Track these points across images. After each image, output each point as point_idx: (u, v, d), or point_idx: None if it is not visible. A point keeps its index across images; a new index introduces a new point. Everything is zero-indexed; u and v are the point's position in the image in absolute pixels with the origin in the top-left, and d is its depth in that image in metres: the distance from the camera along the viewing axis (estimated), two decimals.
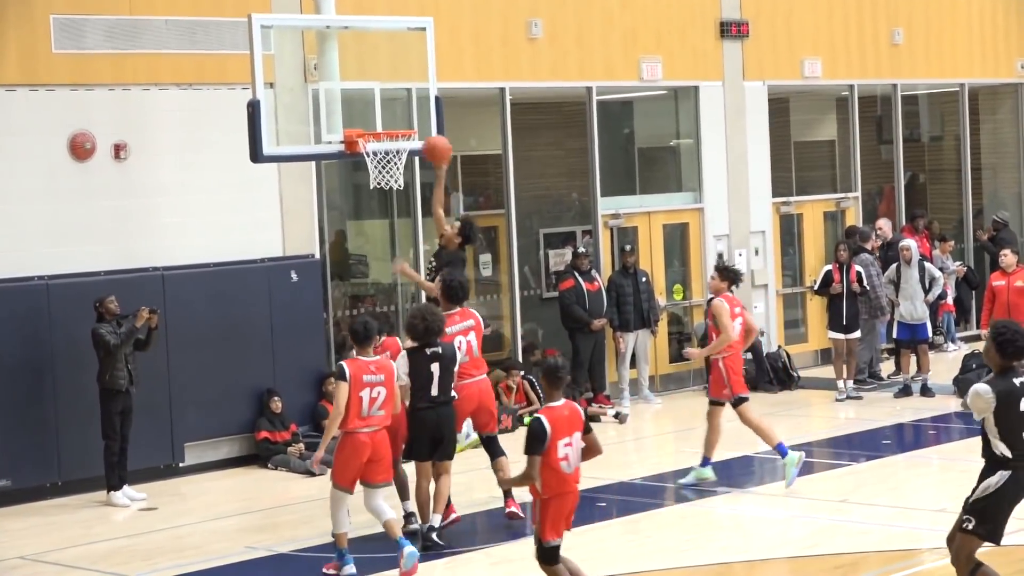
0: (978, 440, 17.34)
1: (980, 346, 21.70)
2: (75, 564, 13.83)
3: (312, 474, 17.28)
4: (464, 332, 13.74)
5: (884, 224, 24.18)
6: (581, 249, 21.42)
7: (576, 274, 20.68)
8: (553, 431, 9.98)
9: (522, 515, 14.10)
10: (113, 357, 15.92)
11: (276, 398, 17.96)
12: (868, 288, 21.76)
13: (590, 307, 20.56)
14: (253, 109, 14.69)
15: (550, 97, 21.54)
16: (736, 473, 16.90)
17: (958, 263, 25.88)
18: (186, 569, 13.40)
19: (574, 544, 13.77)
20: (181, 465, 17.43)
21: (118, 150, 17.29)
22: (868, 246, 22.61)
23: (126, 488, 16.33)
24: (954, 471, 16.56)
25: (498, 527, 14.71)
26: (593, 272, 20.93)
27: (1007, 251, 20.70)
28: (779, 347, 23.29)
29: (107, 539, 14.88)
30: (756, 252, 23.42)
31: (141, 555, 14.11)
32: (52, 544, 14.56)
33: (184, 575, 13.25)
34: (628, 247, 21.58)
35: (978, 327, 24.27)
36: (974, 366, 21.11)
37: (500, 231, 21.29)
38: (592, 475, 16.69)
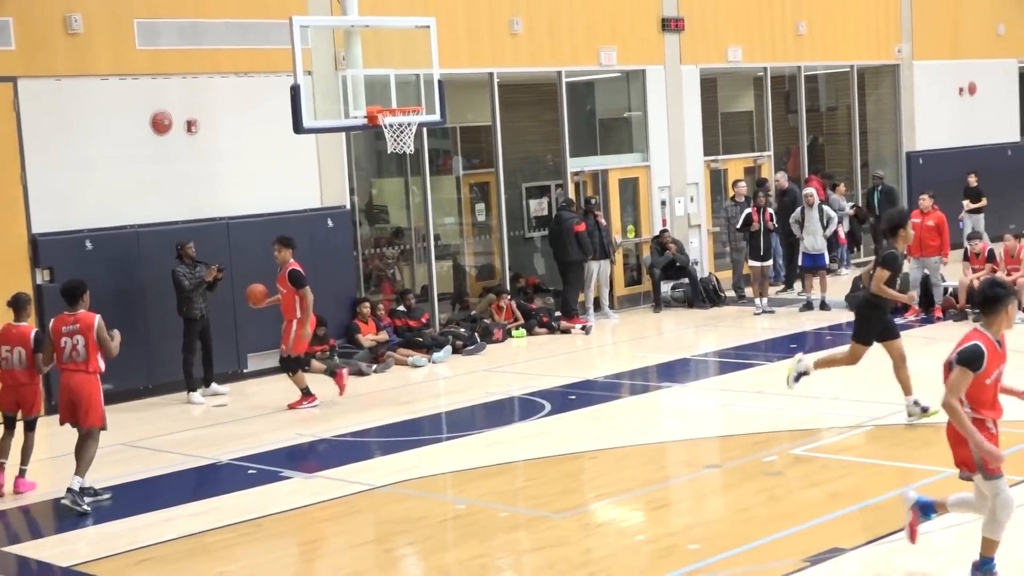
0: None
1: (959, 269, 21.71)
2: (163, 449, 14.01)
3: (361, 373, 17.65)
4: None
5: (780, 176, 24.31)
6: (593, 200, 21.39)
7: (585, 218, 20.70)
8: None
9: None
10: (187, 295, 16.27)
11: (322, 326, 18.02)
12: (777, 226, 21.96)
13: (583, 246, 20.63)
14: (295, 92, 14.78)
15: (528, 79, 21.55)
16: (677, 371, 17.05)
17: (851, 204, 25.97)
18: (249, 452, 13.51)
19: (550, 429, 14.06)
20: (244, 371, 17.57)
21: (190, 125, 17.35)
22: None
23: (214, 385, 16.85)
24: (846, 368, 16.74)
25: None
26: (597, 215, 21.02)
27: (925, 195, 20.49)
28: (710, 273, 23.39)
29: (187, 429, 15.02)
30: (691, 200, 23.49)
31: (213, 441, 14.25)
32: (145, 433, 14.66)
33: (247, 456, 13.40)
34: (593, 198, 21.69)
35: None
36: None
37: (491, 186, 21.33)
38: (565, 374, 16.94)
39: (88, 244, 16.40)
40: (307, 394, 15.71)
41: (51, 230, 16.25)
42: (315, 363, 16.19)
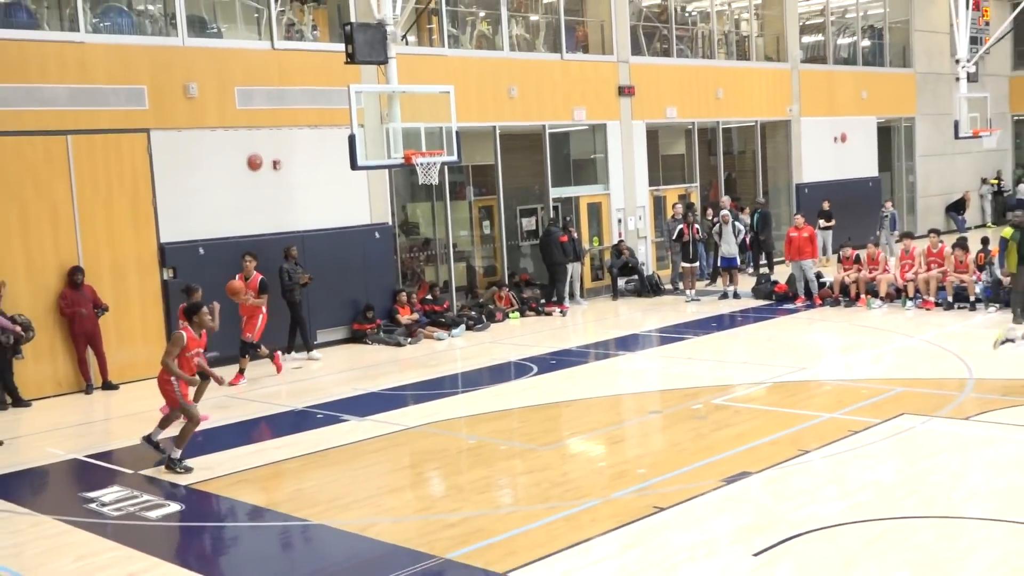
0: (761, 324, 17.58)
1: (817, 263, 21.67)
2: (258, 400, 14.01)
3: (399, 344, 17.62)
4: None
5: (725, 200, 24.18)
6: (568, 219, 21.32)
7: (565, 232, 20.70)
8: None
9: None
10: (289, 287, 16.54)
11: (369, 309, 18.13)
12: (702, 237, 22.01)
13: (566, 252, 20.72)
14: (351, 139, 14.72)
15: (521, 131, 21.49)
16: (629, 343, 17.07)
17: (744, 219, 26.05)
18: (318, 402, 13.52)
19: (537, 385, 14.07)
20: (315, 342, 17.54)
21: (275, 164, 17.32)
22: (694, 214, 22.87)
23: (313, 352, 16.96)
24: (752, 341, 16.80)
25: None
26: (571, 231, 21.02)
27: (799, 215, 21.00)
28: (653, 272, 23.40)
29: (275, 385, 15.04)
30: (640, 218, 23.49)
31: (293, 394, 14.25)
32: (242, 390, 14.76)
33: (316, 404, 13.42)
34: (568, 217, 21.72)
35: (770, 258, 24.54)
36: (762, 282, 21.33)
37: (494, 208, 21.30)
38: (548, 345, 16.96)
39: (201, 250, 16.40)
40: (241, 373, 15.22)
41: (174, 240, 16.25)
42: (262, 348, 15.27)
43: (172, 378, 10.61)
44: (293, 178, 17.63)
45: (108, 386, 15.27)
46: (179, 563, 7.99)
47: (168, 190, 16.20)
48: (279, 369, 15.43)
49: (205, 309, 11.30)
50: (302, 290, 16.80)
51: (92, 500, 9.69)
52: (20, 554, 8.39)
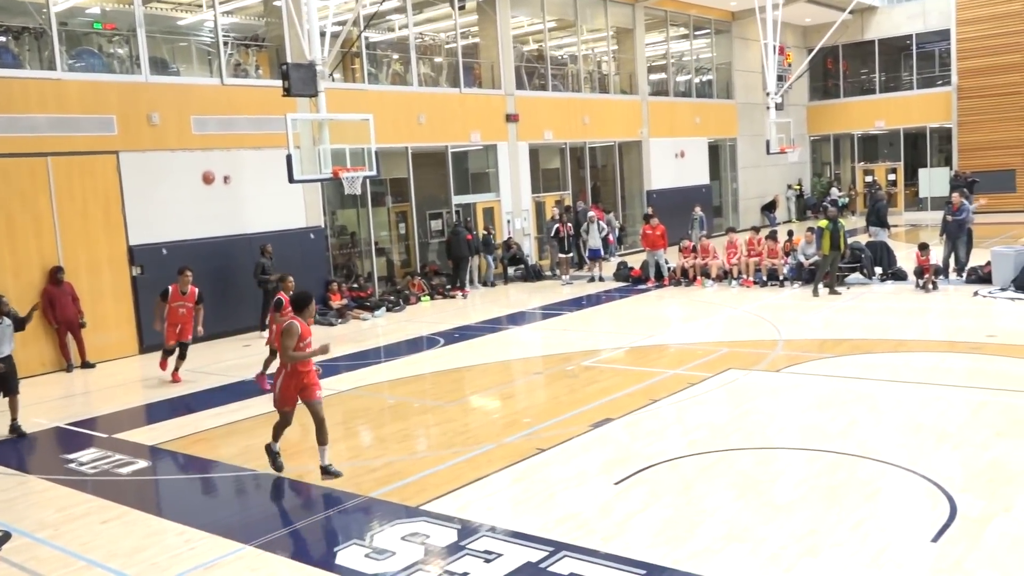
0: (621, 301, 17.62)
1: (630, 259, 21.92)
2: (216, 373, 13.49)
3: (331, 324, 17.22)
4: None
5: (580, 204, 24.45)
6: (468, 219, 21.36)
7: (472, 232, 20.77)
8: None
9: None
10: (261, 279, 16.21)
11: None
12: (575, 234, 22.10)
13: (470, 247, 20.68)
14: (289, 158, 14.40)
15: (429, 151, 21.28)
16: (517, 319, 17.04)
17: (617, 221, 26.29)
18: (268, 372, 13.16)
19: (444, 354, 13.94)
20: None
21: (226, 179, 16.83)
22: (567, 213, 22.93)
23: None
24: (615, 314, 16.95)
25: None
26: (472, 230, 21.01)
27: (654, 218, 20.65)
28: (536, 262, 23.47)
29: (232, 360, 14.54)
30: (525, 219, 23.48)
31: (246, 367, 13.68)
32: (207, 362, 14.23)
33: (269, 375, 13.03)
34: (468, 218, 21.59)
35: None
36: (621, 268, 21.51)
37: (408, 213, 21.04)
38: (452, 322, 16.84)
39: (164, 251, 15.83)
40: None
41: (141, 242, 15.66)
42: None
43: (282, 379, 8.12)
44: (241, 190, 17.11)
45: (86, 365, 14.64)
46: (146, 511, 7.67)
47: (135, 201, 15.59)
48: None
49: (186, 271, 11.03)
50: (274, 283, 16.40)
51: (72, 461, 9.25)
52: (10, 508, 7.95)
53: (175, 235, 16.08)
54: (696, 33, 30.68)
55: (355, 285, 19.05)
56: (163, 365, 13.20)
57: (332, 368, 13.24)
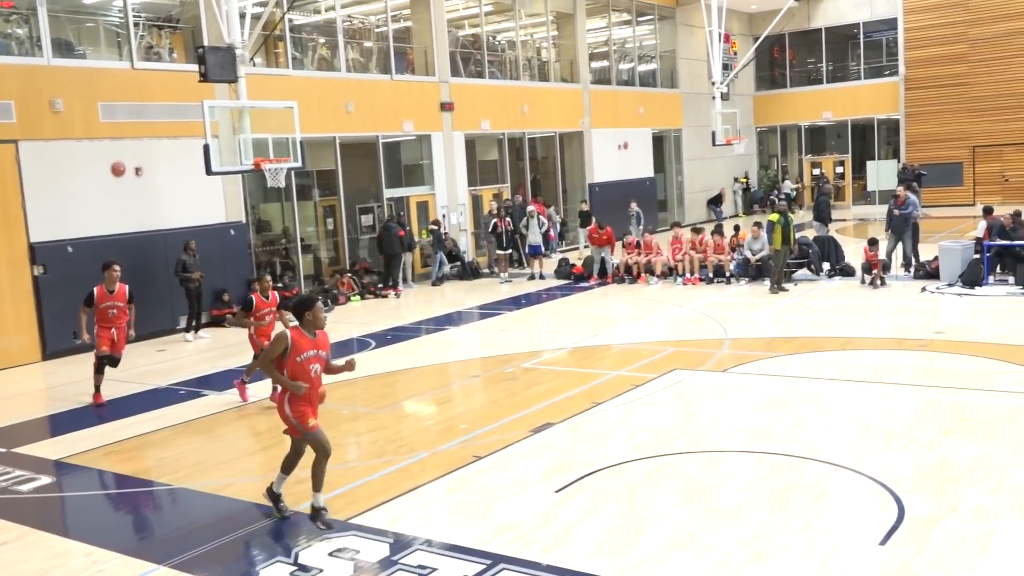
0: (562, 300, 17.74)
1: (572, 255, 22.08)
2: (128, 380, 13.15)
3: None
4: None
5: (517, 198, 24.47)
6: (402, 214, 21.31)
7: (405, 228, 20.66)
8: None
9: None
10: (183, 277, 16.11)
11: (226, 292, 17.45)
12: (513, 229, 22.11)
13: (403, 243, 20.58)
14: (206, 148, 14.19)
15: (359, 141, 21.11)
16: (454, 319, 17.01)
17: (559, 216, 26.39)
18: (180, 379, 12.89)
19: (376, 357, 13.82)
20: (176, 328, 16.74)
21: (138, 171, 16.46)
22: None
23: (200, 332, 16.41)
24: (556, 313, 17.01)
25: None
26: (406, 225, 20.95)
27: (599, 223, 20.75)
28: (473, 258, 23.45)
29: (144, 367, 14.20)
30: (461, 214, 23.44)
31: (159, 374, 13.50)
32: (125, 366, 13.89)
33: (179, 382, 12.76)
34: (402, 213, 21.48)
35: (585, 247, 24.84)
36: (563, 265, 21.59)
37: (336, 207, 20.90)
38: (385, 323, 16.72)
39: (70, 248, 15.42)
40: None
41: (44, 239, 15.22)
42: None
43: (285, 402, 7.02)
44: (155, 183, 16.75)
45: None
46: (50, 531, 7.42)
47: (37, 195, 15.15)
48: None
49: (114, 266, 10.56)
50: (197, 281, 16.34)
51: None
52: None
53: (82, 231, 15.65)
54: (639, 19, 31.00)
55: (280, 284, 18.76)
56: (97, 382, 11.72)
57: (255, 375, 13.01)
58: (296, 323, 7.13)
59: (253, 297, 11.30)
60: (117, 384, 12.96)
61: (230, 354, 14.71)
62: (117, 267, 11.74)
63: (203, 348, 15.48)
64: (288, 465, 7.34)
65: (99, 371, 11.76)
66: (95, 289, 11.57)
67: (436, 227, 21.65)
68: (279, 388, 7.12)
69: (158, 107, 16.76)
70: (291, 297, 18.27)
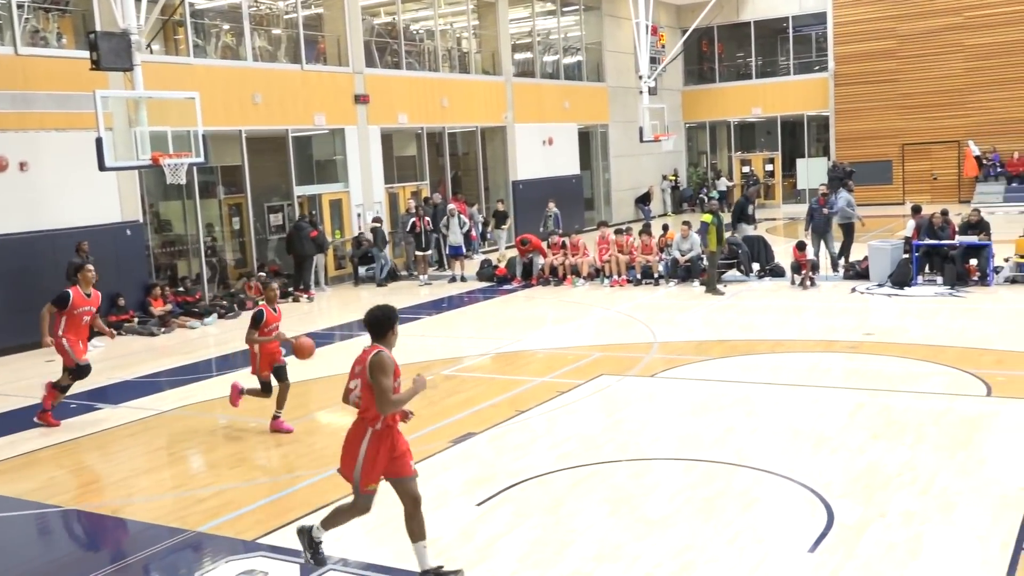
0: (485, 303, 17.74)
1: (493, 256, 22.10)
2: (13, 394, 12.76)
3: (152, 334, 16.61)
4: None
5: (436, 196, 24.43)
6: (314, 213, 21.15)
7: (318, 228, 20.54)
8: None
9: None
10: (70, 279, 15.22)
11: (121, 297, 17.03)
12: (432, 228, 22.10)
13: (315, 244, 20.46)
14: (99, 142, 13.95)
15: (267, 134, 20.83)
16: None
17: (481, 215, 26.43)
18: (73, 392, 12.51)
19: (298, 362, 13.64)
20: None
21: (22, 166, 15.95)
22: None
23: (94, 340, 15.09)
24: (478, 317, 17.06)
25: None
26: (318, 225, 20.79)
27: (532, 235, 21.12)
28: (391, 259, 23.31)
29: (31, 379, 13.78)
30: (378, 212, 23.32)
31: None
32: (9, 378, 13.48)
33: (71, 395, 12.39)
34: (314, 212, 21.27)
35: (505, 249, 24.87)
36: (485, 267, 21.64)
37: (243, 205, 20.58)
38: (297, 329, 16.46)
39: None
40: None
41: None
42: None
43: (369, 444, 6.47)
44: (42, 179, 16.27)
45: None
46: None
47: None
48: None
49: (88, 267, 10.43)
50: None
51: None
52: None
53: None
54: (564, 9, 31.29)
55: (181, 288, 18.42)
56: (49, 400, 10.85)
57: (152, 385, 12.79)
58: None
59: (263, 310, 10.22)
60: (4, 399, 12.55)
61: (125, 364, 14.36)
62: (91, 267, 11.12)
63: (96, 358, 15.03)
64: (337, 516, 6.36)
65: (67, 388, 11.08)
66: (71, 291, 10.79)
67: (379, 224, 21.55)
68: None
69: (45, 97, 16.28)
70: (194, 302, 17.93)
